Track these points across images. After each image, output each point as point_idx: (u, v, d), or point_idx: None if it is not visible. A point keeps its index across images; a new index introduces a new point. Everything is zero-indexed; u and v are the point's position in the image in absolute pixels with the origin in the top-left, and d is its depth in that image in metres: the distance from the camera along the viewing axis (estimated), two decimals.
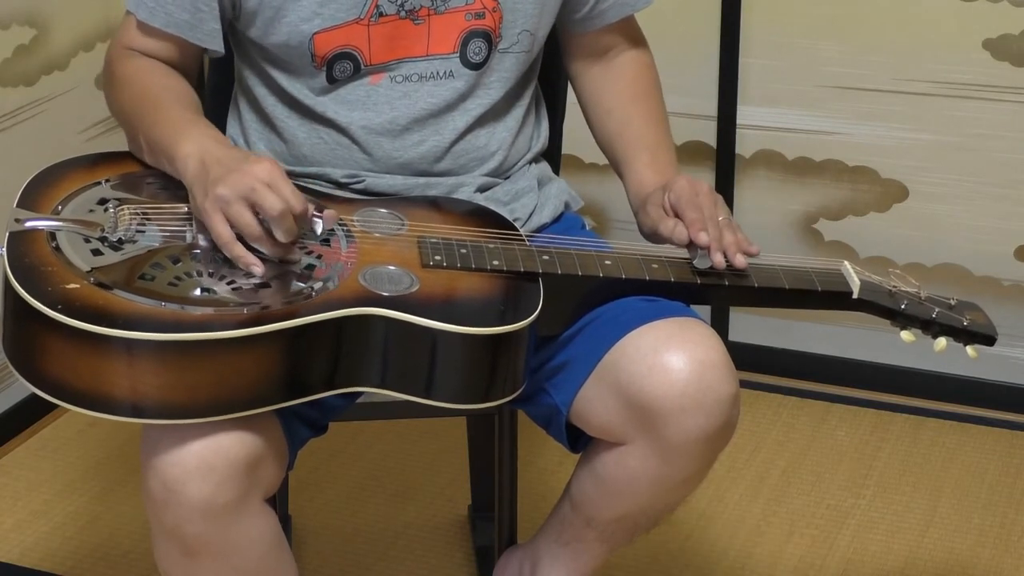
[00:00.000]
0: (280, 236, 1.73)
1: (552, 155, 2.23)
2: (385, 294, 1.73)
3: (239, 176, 1.72)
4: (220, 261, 1.74)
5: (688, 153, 3.00)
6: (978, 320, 1.91)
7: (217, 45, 1.95)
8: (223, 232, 1.72)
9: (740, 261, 1.86)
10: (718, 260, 1.85)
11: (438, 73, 1.97)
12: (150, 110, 1.88)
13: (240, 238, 1.73)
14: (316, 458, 2.73)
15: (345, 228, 1.84)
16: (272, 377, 1.68)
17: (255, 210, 1.72)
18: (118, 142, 1.98)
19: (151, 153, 1.87)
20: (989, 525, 2.63)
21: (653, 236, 1.95)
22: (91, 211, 1.80)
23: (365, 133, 1.98)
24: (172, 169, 1.82)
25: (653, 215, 1.93)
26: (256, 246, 1.73)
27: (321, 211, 1.77)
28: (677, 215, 1.90)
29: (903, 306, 1.89)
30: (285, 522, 2.27)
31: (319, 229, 1.77)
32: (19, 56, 2.81)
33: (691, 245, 1.87)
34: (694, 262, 1.87)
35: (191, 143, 1.79)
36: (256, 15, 1.93)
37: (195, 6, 1.92)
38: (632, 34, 2.13)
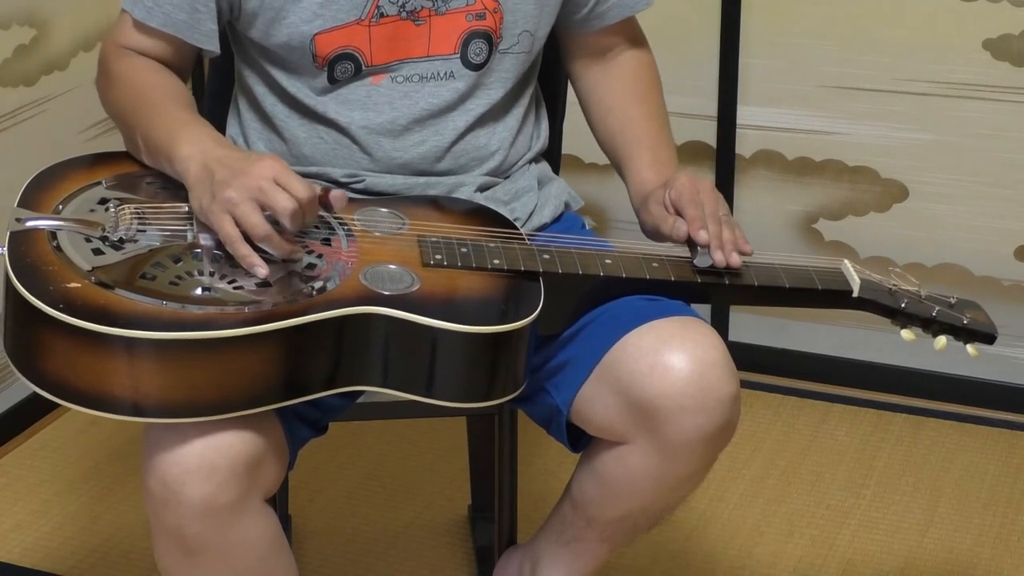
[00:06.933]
0: (289, 228, 1.72)
1: (552, 155, 2.23)
2: (386, 293, 1.73)
3: (245, 178, 1.71)
4: (221, 260, 1.73)
5: (688, 153, 3.00)
6: (978, 318, 1.91)
7: (213, 46, 1.95)
8: (230, 231, 1.71)
9: (735, 260, 1.86)
10: (719, 258, 1.85)
11: (439, 74, 1.97)
12: (146, 110, 1.88)
13: (245, 237, 1.73)
14: (316, 458, 2.73)
15: (346, 227, 1.84)
16: (273, 376, 1.68)
17: (263, 209, 1.72)
18: (118, 142, 1.97)
19: (149, 154, 1.87)
20: (989, 525, 2.62)
21: (654, 234, 1.96)
22: (92, 211, 1.80)
23: (365, 133, 1.98)
24: (172, 170, 1.82)
25: (655, 213, 1.94)
26: (262, 246, 1.73)
27: (327, 193, 1.76)
28: (678, 212, 1.90)
29: (903, 304, 1.89)
30: (285, 522, 2.26)
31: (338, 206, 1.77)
32: (19, 56, 2.81)
33: (691, 243, 1.88)
34: (695, 261, 1.87)
35: (190, 144, 1.79)
36: (257, 16, 1.93)
37: (193, 6, 1.91)
38: (633, 34, 2.13)
